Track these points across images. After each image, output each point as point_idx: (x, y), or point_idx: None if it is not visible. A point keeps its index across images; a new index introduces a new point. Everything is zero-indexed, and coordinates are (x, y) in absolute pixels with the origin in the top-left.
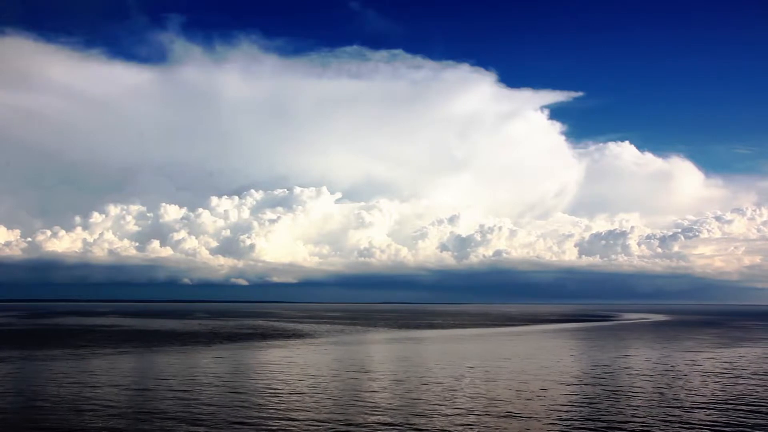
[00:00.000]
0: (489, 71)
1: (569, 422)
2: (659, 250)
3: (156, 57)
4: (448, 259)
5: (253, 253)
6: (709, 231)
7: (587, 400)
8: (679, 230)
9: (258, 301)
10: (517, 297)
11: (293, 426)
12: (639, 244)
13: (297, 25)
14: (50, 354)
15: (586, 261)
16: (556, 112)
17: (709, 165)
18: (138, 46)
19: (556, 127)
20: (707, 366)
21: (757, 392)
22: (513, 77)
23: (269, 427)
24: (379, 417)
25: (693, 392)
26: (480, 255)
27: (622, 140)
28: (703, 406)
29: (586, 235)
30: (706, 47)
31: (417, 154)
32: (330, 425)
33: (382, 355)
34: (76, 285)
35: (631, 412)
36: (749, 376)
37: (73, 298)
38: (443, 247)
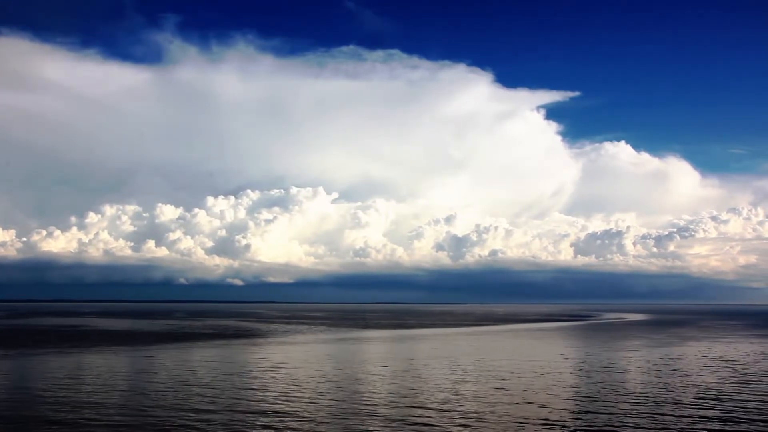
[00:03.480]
0: (486, 71)
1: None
2: (655, 249)
3: (152, 57)
4: (444, 259)
5: (249, 253)
6: (705, 231)
7: (452, 397)
8: (675, 230)
9: (253, 301)
10: (514, 297)
11: (157, 423)
12: (635, 244)
13: (293, 25)
14: None
15: (582, 261)
16: (553, 112)
17: (705, 165)
18: (134, 46)
19: (553, 127)
20: (622, 364)
21: (613, 388)
22: (509, 77)
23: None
24: (236, 409)
25: (558, 387)
26: (476, 255)
27: (619, 140)
28: (553, 399)
29: (582, 235)
30: (703, 47)
31: (413, 154)
32: (198, 418)
33: (307, 354)
34: (72, 285)
35: (485, 407)
36: (628, 372)
37: (68, 299)
38: (439, 247)
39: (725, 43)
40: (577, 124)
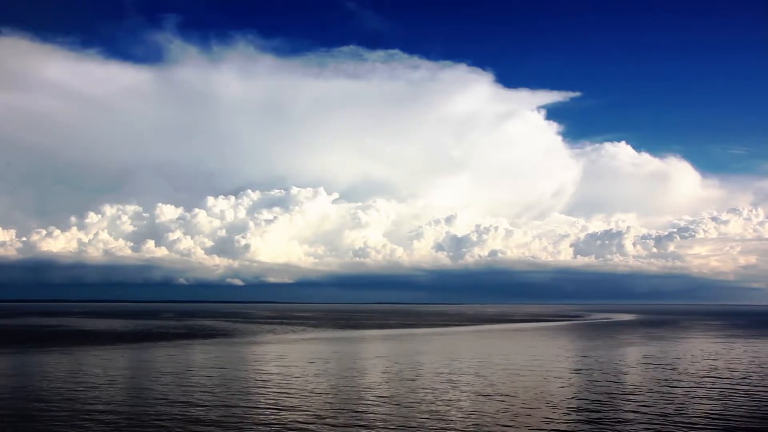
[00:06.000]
0: (486, 71)
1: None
2: (655, 250)
3: (152, 57)
4: (443, 259)
5: (249, 254)
6: (705, 231)
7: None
8: (675, 230)
9: (253, 301)
10: (514, 297)
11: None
12: (634, 244)
13: (294, 25)
14: None
15: (582, 261)
16: (553, 113)
17: (705, 165)
18: (134, 46)
19: (553, 127)
20: (562, 364)
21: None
22: (510, 77)
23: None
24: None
25: (480, 384)
26: (476, 255)
27: (619, 140)
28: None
29: (582, 236)
30: (703, 48)
31: (414, 154)
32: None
33: (259, 354)
34: (72, 285)
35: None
36: (556, 371)
37: (68, 299)
38: (439, 248)
39: (725, 44)
40: (578, 124)
